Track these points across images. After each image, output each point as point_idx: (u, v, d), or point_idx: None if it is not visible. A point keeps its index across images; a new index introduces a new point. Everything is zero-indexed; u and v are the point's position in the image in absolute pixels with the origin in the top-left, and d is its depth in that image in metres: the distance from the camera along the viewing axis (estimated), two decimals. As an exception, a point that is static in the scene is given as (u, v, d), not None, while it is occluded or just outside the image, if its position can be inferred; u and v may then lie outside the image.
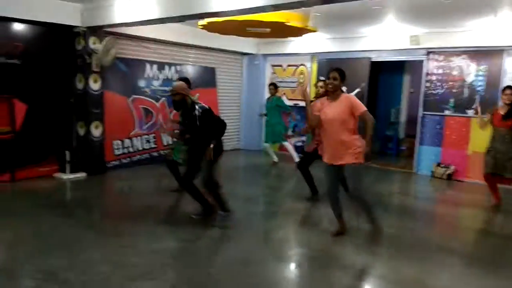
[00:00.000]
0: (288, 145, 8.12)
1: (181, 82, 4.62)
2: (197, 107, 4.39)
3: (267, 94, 9.82)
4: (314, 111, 3.96)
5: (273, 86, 8.07)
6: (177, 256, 3.60)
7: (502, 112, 5.29)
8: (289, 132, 9.36)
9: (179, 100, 4.40)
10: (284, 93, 9.52)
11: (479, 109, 5.69)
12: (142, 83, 7.60)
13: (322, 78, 8.17)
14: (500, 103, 5.70)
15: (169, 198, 5.58)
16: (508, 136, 5.21)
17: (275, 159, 8.17)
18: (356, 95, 8.37)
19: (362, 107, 3.81)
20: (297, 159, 7.91)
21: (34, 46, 6.09)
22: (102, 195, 5.68)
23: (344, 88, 4.19)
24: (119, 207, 5.15)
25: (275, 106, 7.98)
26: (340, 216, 4.17)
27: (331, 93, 3.89)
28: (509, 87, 5.37)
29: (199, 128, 4.36)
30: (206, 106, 4.45)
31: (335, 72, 3.87)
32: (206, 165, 4.44)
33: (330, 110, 3.84)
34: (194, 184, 4.45)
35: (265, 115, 8.25)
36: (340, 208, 4.16)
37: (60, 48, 6.39)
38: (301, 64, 9.36)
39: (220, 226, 4.37)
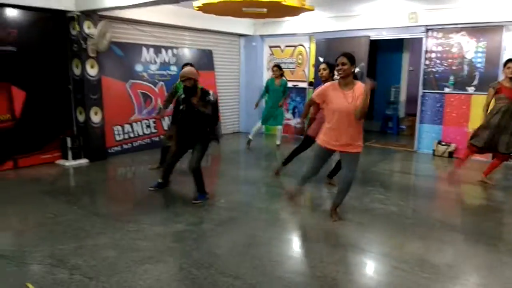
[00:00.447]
0: (281, 128, 8.13)
1: (191, 67, 4.65)
2: (211, 92, 4.50)
3: (265, 76, 9.79)
4: (320, 94, 3.88)
5: (278, 68, 7.76)
6: (183, 239, 3.63)
7: (508, 85, 5.24)
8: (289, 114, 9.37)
9: (191, 86, 4.39)
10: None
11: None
12: (139, 68, 7.54)
13: (321, 59, 8.12)
14: (501, 78, 5.73)
15: (171, 182, 5.60)
16: (508, 109, 5.18)
17: (251, 137, 8.04)
18: (355, 75, 8.34)
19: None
20: (278, 143, 8.08)
21: (28, 32, 6.00)
22: (105, 181, 5.70)
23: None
24: (123, 193, 5.17)
25: (281, 90, 7.75)
26: (302, 185, 4.34)
27: (342, 79, 3.77)
28: (511, 60, 5.29)
29: (209, 115, 4.43)
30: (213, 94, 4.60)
31: (343, 57, 3.74)
32: (200, 151, 4.56)
33: (345, 100, 3.72)
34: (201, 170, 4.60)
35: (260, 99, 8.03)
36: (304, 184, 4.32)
37: (55, 33, 6.30)
38: (299, 45, 9.27)
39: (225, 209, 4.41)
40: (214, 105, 4.56)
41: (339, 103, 3.74)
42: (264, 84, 8.08)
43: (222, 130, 9.45)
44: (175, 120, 4.74)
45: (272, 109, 7.84)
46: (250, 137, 8.08)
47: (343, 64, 3.72)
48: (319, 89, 3.99)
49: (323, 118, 4.50)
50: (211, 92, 4.56)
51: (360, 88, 3.72)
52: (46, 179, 5.61)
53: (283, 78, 7.83)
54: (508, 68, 5.22)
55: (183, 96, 4.55)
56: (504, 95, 5.24)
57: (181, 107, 4.56)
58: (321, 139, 3.95)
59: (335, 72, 3.99)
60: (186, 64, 5.56)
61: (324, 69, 5.01)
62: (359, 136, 3.83)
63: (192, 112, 4.49)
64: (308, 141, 5.28)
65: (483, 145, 5.37)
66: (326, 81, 4.97)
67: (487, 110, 5.37)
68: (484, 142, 5.34)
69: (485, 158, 7.02)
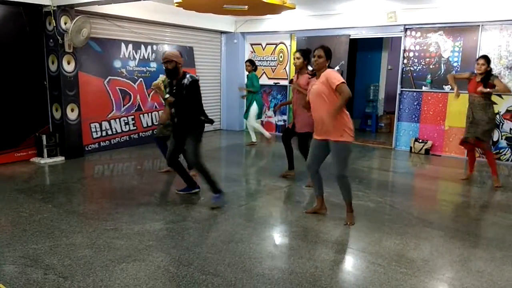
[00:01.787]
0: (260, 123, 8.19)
1: (174, 50, 4.53)
2: (187, 75, 4.28)
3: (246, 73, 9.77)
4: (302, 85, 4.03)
5: (249, 63, 7.88)
6: (161, 237, 3.59)
7: (477, 79, 5.34)
8: (270, 110, 9.38)
9: (172, 68, 4.23)
10: (264, 72, 9.48)
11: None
12: (118, 64, 7.42)
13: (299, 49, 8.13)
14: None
15: (150, 180, 5.54)
16: (481, 103, 5.30)
17: (254, 139, 8.14)
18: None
19: (338, 80, 3.62)
20: (268, 135, 8.13)
21: (3, 27, 5.84)
22: (81, 179, 5.59)
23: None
24: (100, 191, 5.08)
25: (248, 83, 7.84)
26: (319, 195, 4.22)
27: (317, 71, 3.82)
28: (482, 57, 5.36)
29: (185, 99, 4.23)
30: (196, 77, 4.34)
31: (320, 49, 3.76)
32: (192, 144, 4.39)
33: (315, 86, 3.80)
34: (203, 164, 4.44)
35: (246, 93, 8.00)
36: (318, 187, 4.19)
37: (30, 28, 6.13)
38: (281, 43, 9.29)
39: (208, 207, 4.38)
40: (189, 87, 4.25)
41: (312, 90, 3.83)
42: (253, 81, 7.91)
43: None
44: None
45: (253, 104, 7.84)
46: (253, 140, 8.12)
47: (319, 56, 3.73)
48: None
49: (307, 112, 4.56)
50: (188, 75, 4.31)
51: (324, 73, 3.73)
52: (20, 177, 5.46)
53: (252, 72, 7.87)
54: (478, 64, 5.31)
55: (167, 80, 4.43)
56: (468, 88, 5.43)
57: (166, 90, 4.44)
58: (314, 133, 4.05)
59: (312, 60, 3.96)
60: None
61: (297, 58, 4.96)
62: (339, 118, 3.74)
63: (173, 95, 4.32)
64: (289, 131, 5.35)
65: (466, 135, 5.50)
66: (301, 70, 5.00)
67: (453, 79, 5.66)
68: (465, 133, 5.52)
69: (461, 155, 7.20)
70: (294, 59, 5.02)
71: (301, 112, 4.85)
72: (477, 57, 6.60)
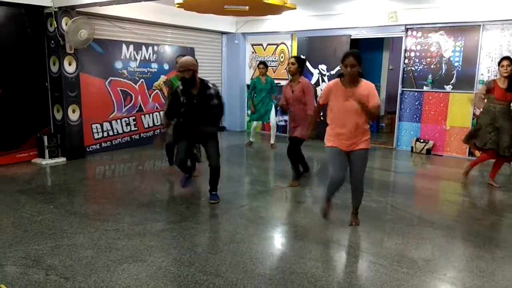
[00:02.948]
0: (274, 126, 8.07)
1: (190, 57, 4.28)
2: (209, 84, 4.29)
3: (248, 74, 9.79)
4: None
5: (264, 65, 7.73)
6: (162, 238, 3.59)
7: (502, 85, 4.95)
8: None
9: (190, 77, 4.12)
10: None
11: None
12: (119, 65, 7.43)
13: (303, 57, 8.16)
14: (488, 77, 5.73)
15: (151, 180, 5.54)
16: (502, 111, 4.94)
17: (252, 139, 8.19)
18: (336, 73, 8.41)
19: (378, 99, 3.57)
20: (272, 141, 7.99)
21: (4, 28, 5.85)
22: (83, 179, 5.59)
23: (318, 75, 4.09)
24: (101, 192, 5.08)
25: (268, 87, 7.66)
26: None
27: (350, 81, 3.58)
28: (506, 58, 4.96)
29: (211, 107, 4.28)
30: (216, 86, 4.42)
31: (351, 57, 3.47)
32: (216, 147, 4.46)
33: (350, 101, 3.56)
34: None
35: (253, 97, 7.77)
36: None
37: (32, 30, 6.14)
38: (282, 43, 9.29)
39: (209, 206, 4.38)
40: (218, 95, 4.38)
41: (348, 102, 3.59)
42: (250, 84, 7.92)
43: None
44: (170, 115, 4.49)
45: (263, 107, 7.73)
46: (251, 139, 8.18)
47: (352, 66, 3.47)
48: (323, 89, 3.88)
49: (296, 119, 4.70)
50: (210, 84, 4.35)
51: (370, 86, 3.59)
52: (22, 178, 5.47)
53: (267, 75, 7.82)
54: (502, 66, 4.91)
55: (181, 87, 4.27)
56: (493, 96, 5.01)
57: (181, 99, 4.25)
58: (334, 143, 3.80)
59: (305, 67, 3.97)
60: (180, 56, 5.35)
61: (292, 64, 4.93)
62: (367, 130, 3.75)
63: (194, 104, 4.25)
64: (295, 141, 5.18)
65: (483, 146, 5.15)
66: (294, 76, 4.99)
67: (481, 100, 5.16)
68: (484, 143, 5.12)
69: (462, 155, 7.20)
70: (288, 64, 5.01)
71: (302, 121, 4.96)
72: (481, 59, 6.58)
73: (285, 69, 5.16)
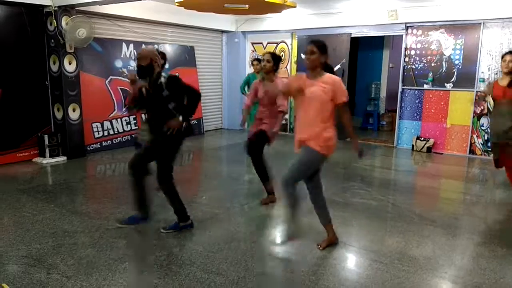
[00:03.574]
0: None
1: (150, 47, 3.88)
2: (163, 74, 3.61)
3: (248, 73, 9.75)
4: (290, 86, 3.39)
5: (258, 62, 7.26)
6: (163, 236, 3.59)
7: (502, 83, 4.49)
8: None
9: (146, 65, 3.56)
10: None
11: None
12: (119, 64, 7.43)
13: (304, 56, 8.05)
14: (489, 75, 5.52)
15: (151, 179, 5.53)
16: (508, 109, 4.41)
17: None
18: (337, 71, 8.41)
19: (346, 96, 3.20)
20: None
21: (4, 27, 5.84)
22: (84, 178, 5.60)
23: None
24: (102, 190, 5.08)
25: None
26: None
27: (311, 70, 3.26)
28: (510, 52, 4.49)
29: (166, 99, 3.54)
30: (174, 74, 3.71)
31: (312, 45, 3.21)
32: (162, 159, 3.65)
33: (313, 89, 3.19)
34: (173, 185, 3.70)
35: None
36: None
37: (32, 29, 6.14)
38: (282, 41, 9.28)
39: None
40: (169, 84, 3.54)
41: (311, 92, 3.20)
42: (245, 78, 7.61)
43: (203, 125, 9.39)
44: (131, 102, 3.80)
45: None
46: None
47: (312, 52, 3.19)
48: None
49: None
50: (164, 74, 3.61)
51: (337, 81, 3.21)
52: (23, 177, 5.47)
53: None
54: (504, 61, 4.45)
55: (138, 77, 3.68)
56: (494, 96, 4.54)
57: (143, 90, 3.61)
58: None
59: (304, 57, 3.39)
60: (256, 59, 5.00)
61: (268, 61, 4.39)
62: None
63: (149, 95, 3.59)
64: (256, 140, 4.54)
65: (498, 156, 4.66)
66: (267, 75, 4.45)
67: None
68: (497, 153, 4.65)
69: (462, 153, 7.19)
70: (263, 61, 4.43)
71: (270, 118, 4.43)
72: (482, 57, 6.51)
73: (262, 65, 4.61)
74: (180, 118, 3.55)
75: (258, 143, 4.46)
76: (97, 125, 7.11)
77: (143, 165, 3.75)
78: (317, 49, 3.20)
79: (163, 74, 3.62)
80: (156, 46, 8.02)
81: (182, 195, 4.76)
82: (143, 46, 7.54)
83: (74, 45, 6.24)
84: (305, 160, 3.26)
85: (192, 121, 8.94)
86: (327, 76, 3.24)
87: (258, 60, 7.58)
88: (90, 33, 6.21)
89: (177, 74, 3.88)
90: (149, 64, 3.58)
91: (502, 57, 4.53)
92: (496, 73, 6.77)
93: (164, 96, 3.56)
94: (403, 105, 7.84)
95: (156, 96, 3.57)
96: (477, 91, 6.87)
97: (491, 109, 4.63)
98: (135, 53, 7.63)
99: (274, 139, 4.46)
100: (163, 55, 4.71)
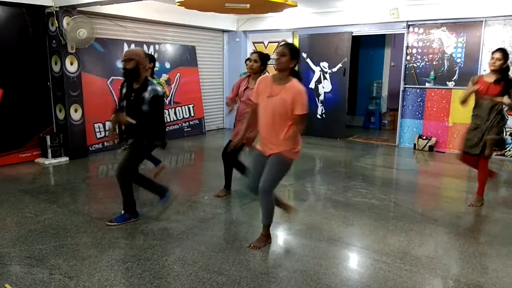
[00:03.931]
0: None
1: (138, 48, 3.87)
2: (149, 87, 3.59)
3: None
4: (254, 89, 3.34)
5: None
6: (166, 236, 3.60)
7: (488, 79, 4.35)
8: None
9: (131, 68, 3.57)
10: (267, 70, 9.45)
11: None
12: (120, 64, 7.41)
13: (304, 55, 8.08)
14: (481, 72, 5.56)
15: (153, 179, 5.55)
16: (490, 106, 4.30)
17: None
18: (338, 70, 8.41)
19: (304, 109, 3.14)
20: None
21: (5, 28, 5.85)
22: (86, 179, 5.60)
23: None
24: (105, 191, 5.09)
25: None
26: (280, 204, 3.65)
27: (279, 71, 3.20)
28: (498, 50, 4.35)
29: (142, 113, 3.61)
30: (160, 91, 3.69)
31: (284, 47, 3.15)
32: (129, 156, 3.80)
33: (278, 98, 3.15)
34: (130, 180, 3.86)
35: None
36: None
37: (33, 29, 6.15)
38: (283, 40, 9.25)
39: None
40: (153, 102, 3.59)
41: (274, 99, 3.17)
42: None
43: (204, 127, 9.38)
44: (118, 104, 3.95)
45: None
46: None
47: (283, 54, 3.12)
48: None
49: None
50: (150, 86, 3.61)
51: (299, 91, 3.13)
52: (25, 178, 5.49)
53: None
54: (492, 58, 4.33)
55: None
56: (479, 92, 4.37)
57: (123, 90, 3.78)
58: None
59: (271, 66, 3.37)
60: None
61: (255, 61, 4.30)
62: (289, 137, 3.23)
63: (130, 100, 3.68)
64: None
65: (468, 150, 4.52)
66: (254, 75, 4.33)
67: (462, 102, 4.48)
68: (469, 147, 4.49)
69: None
70: (250, 61, 4.33)
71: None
72: (484, 54, 6.49)
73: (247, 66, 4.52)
74: (129, 119, 3.61)
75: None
76: (99, 126, 7.12)
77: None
78: (288, 52, 3.13)
79: (149, 86, 3.62)
80: (158, 46, 8.03)
81: (184, 195, 4.79)
82: (132, 46, 7.48)
83: (77, 46, 6.25)
84: (279, 168, 3.28)
85: (195, 121, 8.95)
86: (292, 83, 3.17)
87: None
88: (91, 34, 6.21)
89: (161, 91, 3.74)
90: (135, 67, 3.59)
91: (492, 53, 4.38)
92: (484, 70, 6.76)
93: (143, 109, 3.61)
94: (404, 103, 7.82)
95: (135, 103, 3.64)
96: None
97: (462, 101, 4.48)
98: (155, 55, 7.62)
99: (252, 142, 4.21)
100: (151, 57, 4.77)
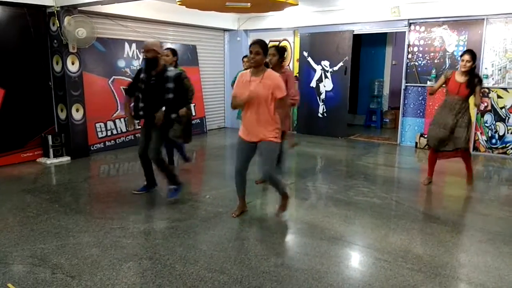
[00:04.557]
0: None
1: (155, 40, 4.47)
2: (171, 69, 4.23)
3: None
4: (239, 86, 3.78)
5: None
6: (167, 235, 3.61)
7: (459, 79, 4.70)
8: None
9: (151, 58, 4.14)
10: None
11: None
12: (121, 63, 7.44)
13: (306, 54, 8.05)
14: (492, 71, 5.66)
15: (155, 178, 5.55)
16: (458, 105, 4.70)
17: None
18: (339, 69, 8.40)
19: (283, 91, 3.61)
20: None
21: (7, 28, 5.86)
22: (88, 178, 5.62)
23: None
24: (106, 190, 5.10)
25: None
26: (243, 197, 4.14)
27: (254, 68, 3.67)
28: (468, 51, 4.68)
29: (167, 90, 4.17)
30: (183, 71, 4.34)
31: (256, 45, 3.60)
32: (157, 137, 4.30)
33: (256, 88, 3.61)
34: (163, 158, 4.45)
35: None
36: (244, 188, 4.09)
37: (34, 29, 6.16)
38: (284, 39, 9.26)
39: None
40: (176, 79, 4.23)
41: (253, 90, 3.63)
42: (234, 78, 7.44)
43: (206, 125, 9.39)
44: (129, 90, 4.47)
45: None
46: None
47: (257, 53, 3.58)
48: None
49: None
50: (170, 67, 4.30)
51: (275, 77, 3.61)
52: (27, 177, 5.50)
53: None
54: (462, 60, 4.64)
55: (143, 66, 4.34)
56: (448, 88, 4.80)
57: (142, 76, 4.29)
58: (241, 133, 3.91)
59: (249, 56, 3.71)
60: (166, 49, 5.31)
61: (273, 55, 4.57)
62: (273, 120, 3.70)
63: (150, 84, 4.22)
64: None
65: (437, 146, 4.94)
66: (273, 68, 4.40)
67: (431, 94, 4.98)
68: (436, 142, 4.91)
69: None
70: (269, 55, 4.46)
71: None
72: (485, 53, 6.57)
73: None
74: (163, 109, 4.18)
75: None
76: (100, 125, 7.13)
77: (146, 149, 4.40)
78: (261, 50, 3.60)
79: (171, 68, 4.24)
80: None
81: (185, 194, 4.80)
82: (133, 45, 7.58)
83: (78, 46, 6.25)
84: (272, 152, 3.75)
85: (195, 120, 8.95)
86: (269, 72, 3.67)
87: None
88: (91, 33, 6.20)
89: (184, 71, 4.43)
90: (155, 56, 4.13)
91: (461, 55, 4.71)
92: (500, 69, 6.74)
93: (167, 87, 4.17)
94: (406, 102, 7.81)
95: (158, 86, 4.18)
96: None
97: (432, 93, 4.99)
98: (138, 52, 7.65)
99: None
100: (174, 51, 5.26)
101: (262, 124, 3.66)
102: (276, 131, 3.71)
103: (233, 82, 7.19)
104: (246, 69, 6.16)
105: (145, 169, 4.66)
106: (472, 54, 4.65)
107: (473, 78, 4.65)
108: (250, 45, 3.65)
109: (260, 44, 3.62)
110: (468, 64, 4.60)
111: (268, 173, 3.76)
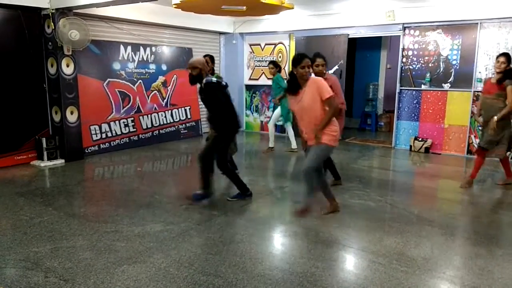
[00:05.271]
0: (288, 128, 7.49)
1: (200, 57, 4.61)
2: (204, 80, 4.37)
3: (246, 74, 9.81)
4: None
5: (273, 65, 7.11)
6: (162, 239, 3.59)
7: (493, 80, 5.07)
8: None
9: (196, 75, 4.35)
10: (263, 72, 9.49)
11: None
12: (116, 66, 7.42)
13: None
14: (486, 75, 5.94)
15: (150, 182, 5.54)
16: (495, 105, 4.95)
17: (294, 146, 7.44)
18: (335, 72, 8.42)
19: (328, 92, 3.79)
20: (272, 145, 7.46)
21: (1, 30, 5.84)
22: (82, 181, 5.59)
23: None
24: (100, 193, 5.08)
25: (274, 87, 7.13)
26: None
27: (306, 81, 3.89)
28: (503, 54, 4.97)
29: (207, 102, 4.46)
30: (214, 80, 4.37)
31: (321, 58, 4.25)
32: (211, 144, 4.54)
33: (309, 96, 3.86)
34: (228, 167, 4.61)
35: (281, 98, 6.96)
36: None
37: (29, 32, 6.13)
38: (279, 43, 9.29)
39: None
40: (205, 91, 4.38)
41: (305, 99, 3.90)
42: (280, 83, 7.03)
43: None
44: None
45: (284, 108, 7.13)
46: (270, 145, 7.53)
47: (322, 65, 4.15)
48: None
49: None
50: (205, 79, 4.36)
51: (318, 80, 3.87)
52: (21, 180, 5.46)
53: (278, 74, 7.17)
54: (498, 62, 4.96)
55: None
56: (484, 93, 5.19)
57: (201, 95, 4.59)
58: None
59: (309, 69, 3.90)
60: (205, 56, 5.53)
61: (322, 65, 4.85)
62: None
63: (202, 99, 4.55)
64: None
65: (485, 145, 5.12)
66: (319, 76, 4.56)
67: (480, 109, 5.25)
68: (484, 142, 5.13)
69: (460, 153, 7.21)
70: (318, 65, 4.76)
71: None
72: (478, 57, 6.70)
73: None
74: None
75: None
76: (95, 128, 7.11)
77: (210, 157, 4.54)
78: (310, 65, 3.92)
79: (207, 78, 4.37)
80: (155, 48, 8.03)
81: (180, 197, 4.78)
82: (129, 48, 7.55)
83: (72, 48, 6.23)
84: (319, 150, 3.93)
85: (192, 123, 8.94)
86: (312, 79, 3.89)
87: (274, 63, 7.15)
88: (85, 36, 6.17)
89: (215, 80, 4.41)
90: (199, 74, 4.34)
91: (497, 57, 5.03)
92: (493, 73, 6.79)
93: (201, 99, 4.51)
94: (400, 105, 7.85)
95: (206, 99, 4.46)
96: (474, 91, 6.92)
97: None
98: (133, 54, 7.64)
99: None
100: (212, 58, 5.57)
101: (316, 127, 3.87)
102: (330, 133, 3.86)
103: (279, 84, 7.03)
104: (270, 78, 6.89)
105: (229, 176, 4.68)
106: (507, 56, 4.91)
107: (506, 78, 4.90)
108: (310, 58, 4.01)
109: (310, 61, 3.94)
110: (503, 66, 4.89)
111: (308, 169, 3.90)
